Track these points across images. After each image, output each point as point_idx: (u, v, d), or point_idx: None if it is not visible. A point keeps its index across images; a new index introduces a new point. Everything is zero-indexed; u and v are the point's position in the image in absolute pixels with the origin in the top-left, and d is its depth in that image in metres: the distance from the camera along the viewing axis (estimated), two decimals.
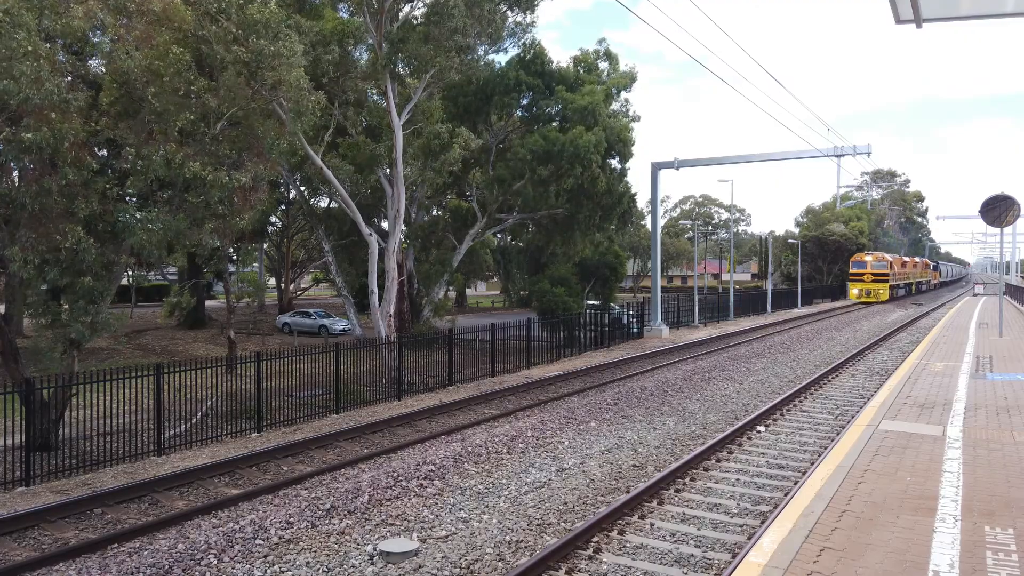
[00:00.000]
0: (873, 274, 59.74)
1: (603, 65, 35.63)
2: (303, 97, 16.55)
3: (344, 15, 26.02)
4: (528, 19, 27.71)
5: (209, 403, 15.35)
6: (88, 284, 13.02)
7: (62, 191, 12.80)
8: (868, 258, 60.83)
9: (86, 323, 13.36)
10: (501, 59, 32.08)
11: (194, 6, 15.18)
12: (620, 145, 32.46)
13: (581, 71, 34.46)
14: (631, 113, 35.99)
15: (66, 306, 13.74)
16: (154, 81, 14.10)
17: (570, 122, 30.73)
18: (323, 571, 7.99)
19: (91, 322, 13.45)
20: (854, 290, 61.22)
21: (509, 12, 26.39)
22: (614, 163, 33.99)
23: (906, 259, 73.48)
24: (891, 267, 60.75)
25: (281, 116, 17.35)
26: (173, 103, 14.30)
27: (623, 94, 35.67)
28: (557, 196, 30.56)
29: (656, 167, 34.97)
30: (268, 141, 16.25)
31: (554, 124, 31.47)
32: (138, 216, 13.75)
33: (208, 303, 42.31)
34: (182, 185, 14.52)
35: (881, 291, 59.44)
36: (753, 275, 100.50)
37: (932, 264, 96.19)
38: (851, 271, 62.38)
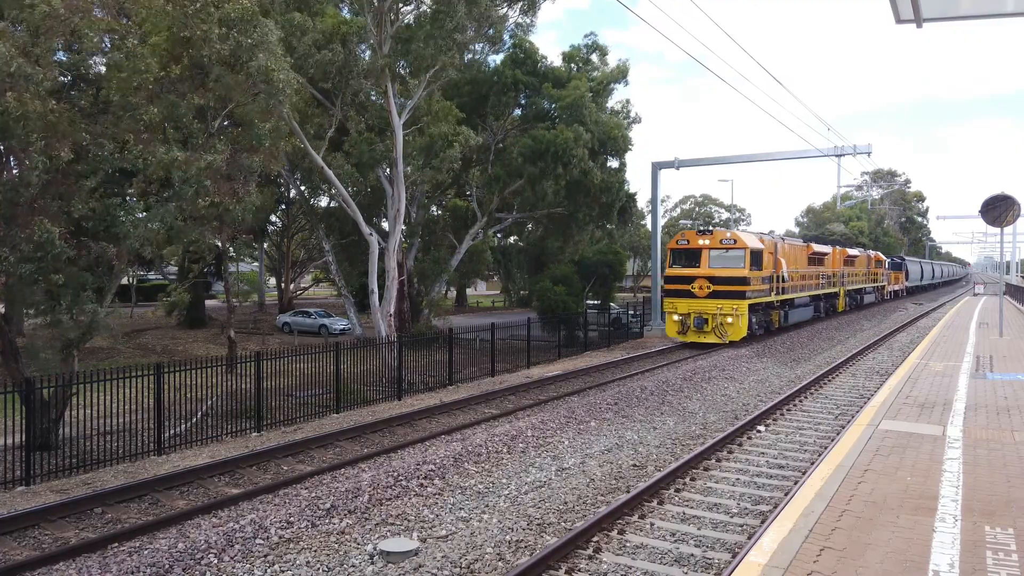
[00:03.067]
0: (711, 280, 26.34)
1: (594, 58, 35.75)
2: (274, 62, 15.53)
3: (346, 14, 26.02)
4: (528, 20, 27.83)
5: (209, 403, 15.34)
6: (59, 281, 12.65)
7: (44, 187, 12.54)
8: (703, 241, 26.82)
9: (83, 323, 13.26)
10: (495, 59, 32.24)
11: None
12: (612, 142, 32.44)
13: (574, 68, 34.58)
14: (632, 114, 36.16)
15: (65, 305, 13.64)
16: (116, 77, 13.91)
17: (560, 120, 30.86)
18: (323, 571, 7.99)
19: (89, 323, 13.35)
20: (673, 315, 27.27)
21: (510, 13, 26.43)
22: (611, 162, 34.05)
23: (822, 248, 37.54)
24: (756, 261, 26.70)
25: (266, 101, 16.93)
26: (144, 98, 14.06)
27: (618, 89, 35.79)
28: (555, 194, 30.51)
29: (656, 167, 34.96)
30: (252, 122, 15.94)
31: (546, 122, 31.57)
32: (138, 215, 13.65)
33: (208, 303, 42.28)
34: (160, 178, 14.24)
35: (728, 317, 25.97)
36: None
37: (891, 261, 61.60)
38: (668, 270, 28.07)
